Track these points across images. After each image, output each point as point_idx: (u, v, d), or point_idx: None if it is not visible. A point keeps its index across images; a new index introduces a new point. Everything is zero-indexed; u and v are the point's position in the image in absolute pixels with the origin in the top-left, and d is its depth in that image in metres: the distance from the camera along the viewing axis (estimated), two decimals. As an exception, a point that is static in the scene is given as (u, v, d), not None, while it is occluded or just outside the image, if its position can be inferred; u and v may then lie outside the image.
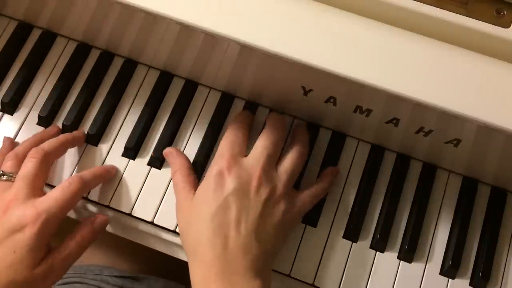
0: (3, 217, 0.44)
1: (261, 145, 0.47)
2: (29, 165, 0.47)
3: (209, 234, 0.43)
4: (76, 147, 0.53)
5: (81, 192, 0.47)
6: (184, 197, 0.47)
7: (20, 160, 0.48)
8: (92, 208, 0.52)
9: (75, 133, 0.53)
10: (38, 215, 0.44)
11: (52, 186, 0.52)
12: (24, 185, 0.46)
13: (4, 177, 0.47)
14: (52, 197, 0.45)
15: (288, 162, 0.48)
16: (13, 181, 0.47)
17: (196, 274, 0.44)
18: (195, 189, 0.48)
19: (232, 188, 0.44)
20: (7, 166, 0.48)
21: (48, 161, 0.49)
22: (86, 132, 0.53)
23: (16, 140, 0.54)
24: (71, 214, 0.53)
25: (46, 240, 0.45)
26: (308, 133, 0.52)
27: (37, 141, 0.51)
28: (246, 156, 0.47)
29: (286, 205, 0.46)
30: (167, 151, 0.51)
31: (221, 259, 0.42)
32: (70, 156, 0.53)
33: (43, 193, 0.47)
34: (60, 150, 0.51)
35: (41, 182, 0.47)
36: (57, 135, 0.52)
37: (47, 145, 0.49)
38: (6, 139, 0.53)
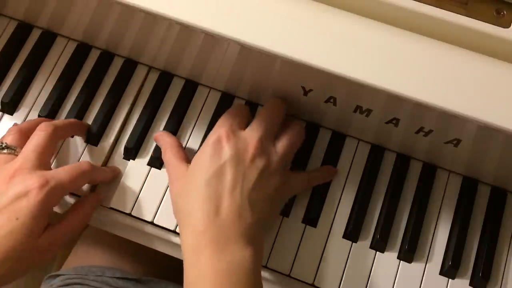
0: (8, 184, 0.44)
1: (259, 119, 0.48)
2: (38, 138, 0.47)
3: (203, 200, 0.43)
4: (76, 147, 0.53)
5: (89, 174, 0.47)
6: (177, 170, 0.48)
7: (23, 134, 0.48)
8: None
9: (81, 122, 0.54)
10: (46, 181, 0.44)
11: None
12: (32, 156, 0.46)
13: (5, 150, 0.47)
14: (61, 169, 0.46)
15: (285, 139, 0.49)
16: (16, 155, 0.47)
17: (187, 241, 0.43)
18: (187, 162, 0.48)
19: (229, 155, 0.45)
20: (10, 139, 0.48)
21: (57, 137, 0.49)
22: (86, 132, 0.53)
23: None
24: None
25: (49, 209, 0.45)
26: (301, 126, 0.53)
27: (40, 121, 0.51)
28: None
29: (280, 179, 0.46)
30: (156, 135, 0.52)
31: (213, 225, 0.42)
32: (70, 156, 0.53)
33: (50, 168, 0.47)
34: (69, 130, 0.51)
35: (49, 156, 0.47)
36: None
37: (58, 121, 0.50)
38: (15, 126, 0.53)
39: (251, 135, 0.47)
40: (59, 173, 0.45)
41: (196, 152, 0.52)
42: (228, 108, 0.54)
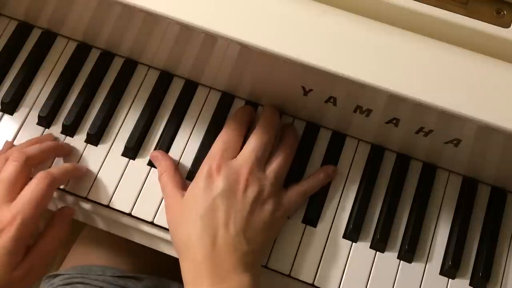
0: None
1: (250, 147, 0.48)
2: (9, 169, 0.47)
3: (199, 234, 0.44)
4: (76, 148, 0.53)
5: (51, 188, 0.47)
6: (172, 198, 0.48)
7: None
8: (91, 208, 0.52)
9: (61, 142, 0.53)
10: (13, 218, 0.44)
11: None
12: (1, 189, 0.45)
13: None
14: (24, 199, 0.45)
15: (276, 163, 0.49)
16: None
17: (187, 273, 0.44)
18: (183, 189, 0.48)
19: (221, 189, 0.45)
20: None
21: (29, 166, 0.48)
22: (86, 132, 0.53)
23: (16, 140, 0.54)
24: (75, 215, 0.53)
25: (24, 242, 0.45)
26: (297, 132, 0.53)
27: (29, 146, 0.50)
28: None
29: (273, 204, 0.47)
30: (153, 154, 0.52)
31: (211, 257, 0.43)
32: (70, 156, 0.53)
33: None
34: (43, 156, 0.50)
35: (21, 186, 0.47)
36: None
37: (30, 149, 0.49)
38: (8, 143, 0.53)
39: (242, 165, 0.47)
40: (24, 204, 0.45)
41: (196, 152, 0.53)
42: (228, 108, 0.54)
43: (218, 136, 0.50)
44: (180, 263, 0.45)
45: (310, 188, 0.51)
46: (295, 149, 0.52)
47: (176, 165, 0.52)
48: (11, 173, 0.46)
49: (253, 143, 0.48)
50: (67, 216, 0.50)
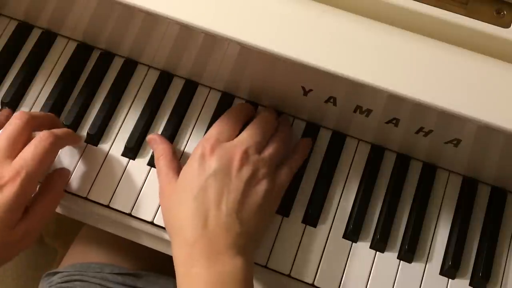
0: None
1: (249, 131, 0.48)
2: (12, 126, 0.46)
3: (191, 214, 0.44)
4: (76, 148, 0.53)
5: (55, 147, 0.47)
6: (167, 181, 0.48)
7: (1, 124, 0.49)
8: (91, 208, 0.52)
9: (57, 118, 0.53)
10: (16, 173, 0.43)
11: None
12: (3, 145, 0.45)
13: None
14: (27, 154, 0.45)
15: (271, 147, 0.49)
16: None
17: (179, 254, 0.44)
18: (178, 174, 0.48)
19: (214, 168, 0.45)
20: None
21: (31, 126, 0.48)
22: (86, 132, 0.53)
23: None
24: (75, 215, 0.53)
25: (25, 199, 0.45)
26: (289, 122, 0.53)
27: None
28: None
29: (267, 186, 0.46)
30: (150, 137, 0.52)
31: (202, 238, 0.43)
32: (70, 156, 0.53)
33: None
34: (45, 120, 0.50)
35: (22, 144, 0.46)
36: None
37: (34, 112, 0.49)
38: (5, 110, 0.53)
39: (237, 145, 0.47)
40: (27, 159, 0.44)
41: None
42: (227, 108, 0.54)
43: (215, 122, 0.50)
44: (172, 246, 0.45)
45: (296, 167, 0.51)
46: (290, 136, 0.52)
47: (174, 150, 0.51)
48: (14, 130, 0.46)
49: (251, 128, 0.48)
50: (64, 175, 0.49)
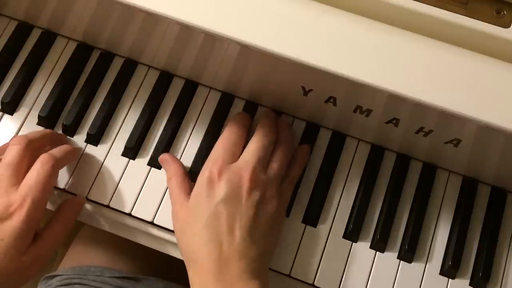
0: None
1: (252, 149, 0.48)
2: (12, 152, 0.46)
3: (204, 242, 0.44)
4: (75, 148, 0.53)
5: (56, 169, 0.47)
6: (179, 204, 0.48)
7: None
8: (91, 208, 0.52)
9: (58, 133, 0.53)
10: (23, 200, 0.44)
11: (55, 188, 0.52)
12: (7, 173, 0.45)
13: None
14: (31, 181, 0.45)
15: (276, 162, 0.49)
16: None
17: (195, 281, 0.44)
18: (190, 196, 0.48)
19: (223, 194, 0.45)
20: None
21: (31, 149, 0.48)
22: (86, 132, 0.53)
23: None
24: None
25: (34, 225, 0.45)
26: (291, 127, 0.53)
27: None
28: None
29: (276, 203, 0.47)
30: (162, 158, 0.52)
31: (217, 265, 0.43)
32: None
33: None
34: (44, 140, 0.50)
35: (25, 169, 0.47)
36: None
37: (31, 134, 0.49)
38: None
39: (245, 167, 0.46)
40: (31, 186, 0.45)
41: (196, 152, 0.53)
42: (228, 108, 0.54)
43: (218, 140, 0.50)
44: (188, 272, 0.45)
45: (297, 176, 0.51)
46: (292, 146, 0.52)
47: (185, 169, 0.51)
48: (14, 157, 0.46)
49: (254, 145, 0.48)
50: (76, 205, 0.50)
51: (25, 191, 0.44)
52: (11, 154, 0.46)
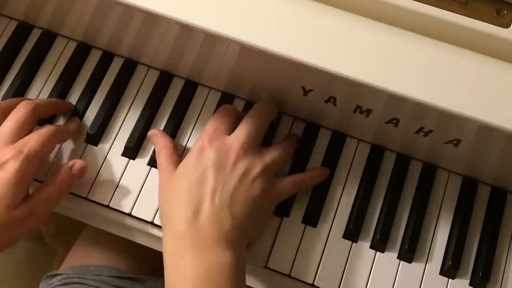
0: None
1: (244, 125, 0.48)
2: (18, 114, 0.48)
3: (184, 205, 0.44)
4: (76, 148, 0.53)
5: (56, 136, 0.48)
6: (167, 175, 0.48)
7: (2, 111, 0.49)
8: (91, 208, 0.52)
9: (64, 101, 0.54)
10: (19, 151, 0.44)
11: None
12: (10, 130, 0.46)
13: None
14: (30, 137, 0.46)
15: (274, 148, 0.49)
16: None
17: (168, 246, 0.44)
18: None
19: (211, 161, 0.45)
20: None
21: (37, 114, 0.49)
22: (86, 132, 0.53)
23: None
24: (75, 215, 0.53)
25: (27, 178, 0.45)
26: (298, 136, 0.54)
27: (20, 99, 0.51)
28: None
29: (263, 184, 0.46)
30: (151, 132, 0.52)
31: (192, 229, 0.43)
32: (70, 156, 0.53)
33: None
34: (50, 108, 0.52)
35: (26, 132, 0.48)
36: None
37: (39, 100, 0.51)
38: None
39: (235, 140, 0.47)
40: (30, 141, 0.46)
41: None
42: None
43: (212, 115, 0.50)
44: (163, 235, 0.45)
45: (303, 182, 0.50)
46: (295, 145, 0.52)
47: (174, 143, 0.52)
48: (19, 118, 0.47)
49: (246, 122, 0.49)
50: (77, 170, 0.49)
51: (23, 143, 0.45)
52: (17, 116, 0.48)
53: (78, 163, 0.49)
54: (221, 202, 0.44)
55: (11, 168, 0.43)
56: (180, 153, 0.53)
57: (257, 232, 0.49)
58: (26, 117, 0.48)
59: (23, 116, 0.48)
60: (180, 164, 0.48)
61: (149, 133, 0.52)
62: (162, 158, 0.50)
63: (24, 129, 0.48)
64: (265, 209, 0.48)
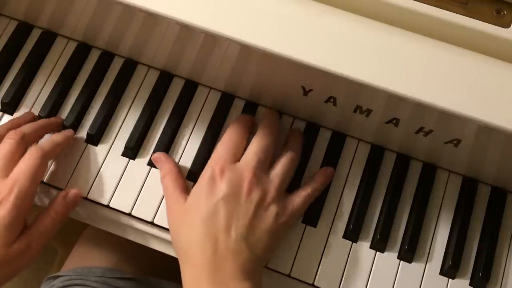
0: None
1: (253, 150, 0.48)
2: (6, 146, 0.47)
3: (200, 238, 0.44)
4: (76, 148, 0.53)
5: (44, 160, 0.48)
6: (174, 200, 0.48)
7: None
8: (91, 208, 0.52)
9: (52, 119, 0.53)
10: (10, 190, 0.44)
11: (52, 186, 0.52)
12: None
13: None
14: (18, 171, 0.46)
15: (280, 167, 0.48)
16: None
17: (187, 277, 0.44)
18: (185, 193, 0.48)
19: (224, 193, 0.45)
20: None
21: (26, 143, 0.49)
22: (86, 132, 0.53)
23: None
24: (75, 215, 0.53)
25: (21, 216, 0.45)
26: (303, 136, 0.53)
27: (14, 125, 0.51)
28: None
29: (277, 209, 0.46)
30: (155, 156, 0.52)
31: (211, 262, 0.43)
32: (70, 156, 0.53)
33: None
34: (37, 133, 0.51)
35: (17, 161, 0.47)
36: (33, 121, 0.52)
37: (26, 127, 0.50)
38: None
39: (245, 169, 0.46)
40: (19, 176, 0.45)
41: (196, 152, 0.53)
42: (228, 108, 0.54)
43: (221, 139, 0.50)
44: (181, 267, 0.45)
45: (313, 192, 0.50)
46: (299, 154, 0.51)
47: (179, 167, 0.51)
48: (8, 150, 0.47)
49: (255, 146, 0.48)
50: (70, 199, 0.49)
51: (13, 181, 0.45)
52: (5, 148, 0.47)
53: (71, 192, 0.49)
54: (236, 234, 0.44)
55: (4, 208, 0.43)
56: (179, 155, 0.53)
57: (271, 256, 0.49)
58: (14, 148, 0.47)
59: (10, 148, 0.47)
60: (191, 193, 0.47)
61: (152, 157, 0.52)
62: (168, 183, 0.49)
63: (14, 160, 0.47)
64: (281, 232, 0.47)
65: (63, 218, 0.49)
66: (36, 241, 0.46)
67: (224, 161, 0.47)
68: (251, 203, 0.45)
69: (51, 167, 0.52)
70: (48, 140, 0.50)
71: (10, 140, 0.48)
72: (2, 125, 0.51)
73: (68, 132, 0.52)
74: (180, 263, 0.46)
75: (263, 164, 0.48)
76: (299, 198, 0.49)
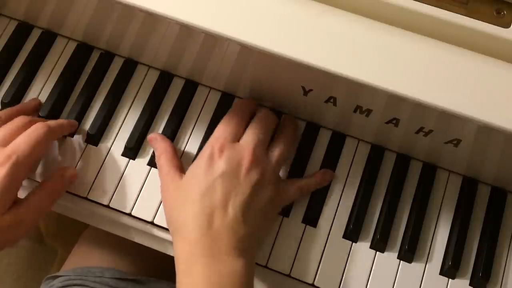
0: None
1: (252, 130, 0.48)
2: (14, 122, 0.48)
3: (196, 213, 0.44)
4: (76, 148, 0.53)
5: (47, 137, 0.47)
6: (170, 179, 0.48)
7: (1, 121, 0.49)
8: (91, 208, 0.52)
9: (64, 120, 0.53)
10: (7, 157, 0.44)
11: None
12: (2, 134, 0.46)
13: None
14: (19, 141, 0.45)
15: (277, 148, 0.49)
16: None
17: (180, 251, 0.44)
18: (180, 172, 0.48)
19: (222, 170, 0.45)
20: None
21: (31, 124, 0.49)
22: (86, 132, 0.53)
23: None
24: (75, 215, 0.53)
25: (15, 184, 0.44)
26: (297, 123, 0.53)
27: (20, 110, 0.52)
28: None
29: (273, 190, 0.47)
30: (151, 136, 0.52)
31: (206, 237, 0.43)
32: (70, 156, 0.53)
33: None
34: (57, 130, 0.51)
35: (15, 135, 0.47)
36: (38, 107, 0.53)
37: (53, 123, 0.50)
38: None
39: (245, 148, 0.47)
40: (19, 144, 0.45)
41: (195, 154, 0.53)
42: (228, 108, 0.54)
43: (222, 120, 0.50)
44: (174, 243, 0.45)
45: (307, 186, 0.51)
46: (295, 137, 0.52)
47: (174, 148, 0.52)
48: (15, 125, 0.47)
49: (255, 126, 0.49)
50: (66, 177, 0.49)
51: (12, 149, 0.45)
52: (12, 123, 0.48)
53: (69, 171, 0.49)
54: (234, 210, 0.44)
55: (0, 173, 0.43)
56: (180, 155, 0.53)
57: (264, 237, 0.50)
58: (22, 125, 0.47)
59: (18, 124, 0.47)
60: (189, 170, 0.48)
61: (148, 137, 0.52)
62: (163, 162, 0.49)
63: (15, 134, 0.47)
64: (272, 214, 0.49)
65: (58, 196, 0.48)
66: (30, 216, 0.46)
67: (224, 139, 0.47)
68: (249, 181, 0.45)
69: (50, 167, 0.52)
70: (56, 120, 0.51)
71: (21, 120, 0.48)
72: (11, 108, 0.52)
73: (73, 121, 0.53)
74: (173, 238, 0.45)
75: (262, 144, 0.48)
76: (292, 186, 0.49)
